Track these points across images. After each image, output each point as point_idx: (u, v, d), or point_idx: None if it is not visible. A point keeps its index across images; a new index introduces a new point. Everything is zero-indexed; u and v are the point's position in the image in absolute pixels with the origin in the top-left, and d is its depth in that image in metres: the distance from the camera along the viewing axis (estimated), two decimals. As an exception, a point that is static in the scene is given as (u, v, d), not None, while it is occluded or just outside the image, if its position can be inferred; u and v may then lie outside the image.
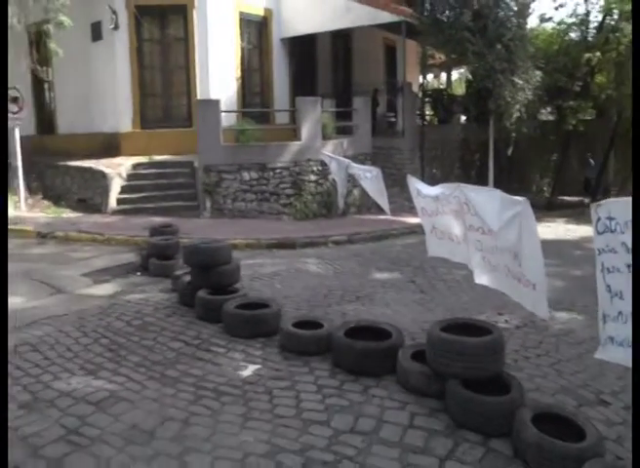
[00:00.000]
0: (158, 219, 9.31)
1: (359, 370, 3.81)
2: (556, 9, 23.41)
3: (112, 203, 11.01)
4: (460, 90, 21.55)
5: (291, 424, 3.18)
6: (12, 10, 10.24)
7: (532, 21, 20.72)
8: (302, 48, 15.66)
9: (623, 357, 2.62)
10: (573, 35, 18.52)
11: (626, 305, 2.55)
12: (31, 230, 9.46)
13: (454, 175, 16.52)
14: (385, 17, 13.99)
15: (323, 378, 3.76)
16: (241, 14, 14.02)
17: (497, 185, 14.82)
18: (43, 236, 9.23)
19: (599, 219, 2.63)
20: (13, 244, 8.79)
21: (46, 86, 15.37)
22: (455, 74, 23.43)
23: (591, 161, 17.71)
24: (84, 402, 3.44)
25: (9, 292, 6.06)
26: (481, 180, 15.62)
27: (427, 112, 17.13)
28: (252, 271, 6.82)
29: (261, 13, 14.68)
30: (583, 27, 18.17)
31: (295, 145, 11.60)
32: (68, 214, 11.09)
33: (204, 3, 12.96)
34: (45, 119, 15.69)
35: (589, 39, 17.58)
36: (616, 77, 16.92)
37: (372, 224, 10.43)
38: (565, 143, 18.20)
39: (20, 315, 5.30)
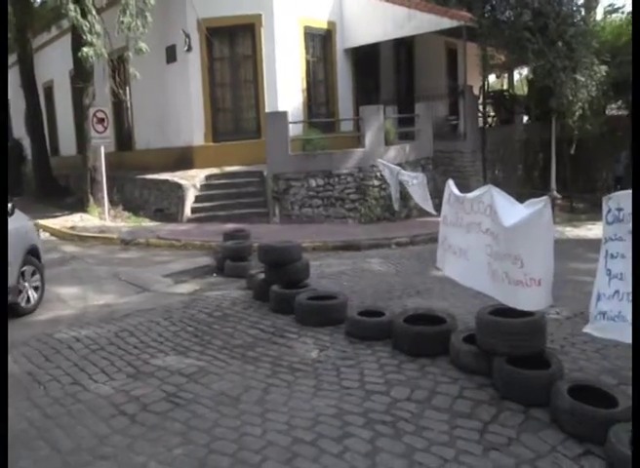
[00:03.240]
0: (230, 226, 9.93)
1: (416, 351, 4.24)
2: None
3: (187, 212, 11.81)
4: (522, 90, 21.44)
5: (355, 394, 3.66)
6: (100, 41, 11.28)
7: (598, 13, 20.24)
8: (365, 57, 16.14)
9: (612, 330, 2.98)
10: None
11: (625, 285, 2.90)
12: (116, 238, 10.33)
13: (516, 176, 16.56)
14: (446, 23, 14.20)
15: (384, 358, 4.22)
16: (306, 28, 14.65)
17: (560, 185, 14.83)
18: (126, 243, 10.06)
19: (609, 211, 2.98)
20: (100, 250, 9.73)
21: (124, 106, 16.52)
22: (518, 74, 23.30)
23: (622, 158, 17.06)
24: (178, 374, 4.07)
25: (101, 290, 6.91)
26: (544, 181, 15.64)
27: (489, 114, 17.20)
28: (319, 271, 7.33)
29: (325, 26, 15.27)
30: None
31: (359, 152, 12.09)
32: (147, 223, 11.97)
33: (271, 21, 13.66)
34: (123, 136, 16.88)
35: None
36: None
37: (433, 226, 10.67)
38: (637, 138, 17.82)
39: (115, 309, 6.05)
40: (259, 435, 3.21)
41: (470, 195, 4.21)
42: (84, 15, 11.09)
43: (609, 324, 3.01)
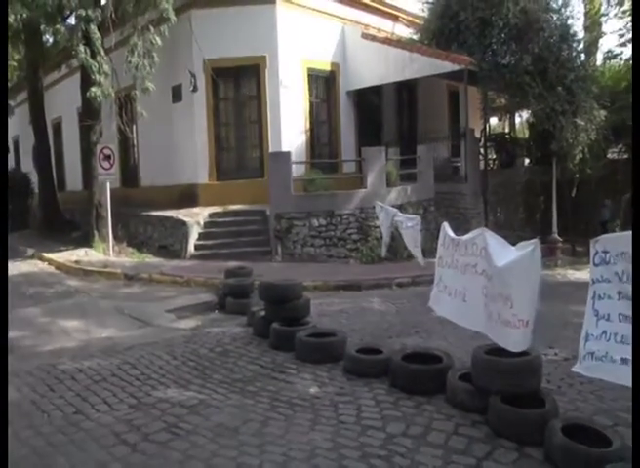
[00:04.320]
0: (233, 263, 10.02)
1: (413, 389, 4.30)
2: (622, 45, 23.41)
3: (191, 248, 11.95)
4: (523, 133, 21.84)
5: (351, 428, 3.73)
6: (108, 80, 11.63)
7: (598, 59, 20.79)
8: (368, 98, 16.51)
9: (600, 369, 3.09)
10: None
11: (611, 326, 3.02)
12: (119, 272, 10.43)
13: (518, 218, 16.75)
14: (447, 66, 14.53)
15: (381, 395, 4.28)
16: (309, 70, 15.02)
17: (562, 228, 14.97)
18: (130, 278, 10.17)
19: (596, 253, 3.12)
20: (103, 284, 9.84)
21: (130, 144, 16.86)
22: (519, 117, 23.75)
23: (607, 203, 17.27)
24: (179, 406, 4.15)
25: (104, 324, 7.00)
26: (545, 223, 15.79)
27: (490, 156, 17.49)
28: (320, 309, 7.41)
29: (328, 68, 15.66)
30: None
31: (361, 193, 12.28)
32: (151, 258, 12.09)
33: (275, 62, 14.04)
34: (129, 173, 17.15)
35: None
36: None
37: (435, 268, 10.84)
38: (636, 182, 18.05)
39: (117, 342, 6.13)
40: (256, 465, 3.28)
41: (465, 237, 4.36)
42: (93, 55, 11.43)
43: (597, 364, 3.11)
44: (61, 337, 6.49)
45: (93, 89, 11.41)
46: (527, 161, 18.64)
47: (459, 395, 4.05)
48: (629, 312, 2.96)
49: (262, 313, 6.08)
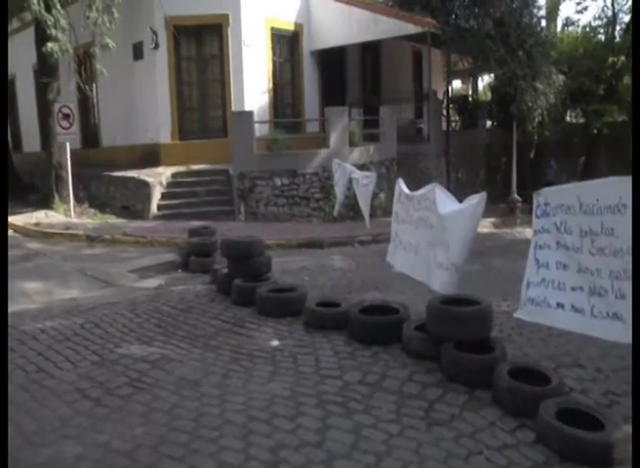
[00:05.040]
0: (196, 223, 10.00)
1: (370, 340, 4.45)
2: (579, 12, 23.67)
3: (154, 209, 11.89)
4: (485, 96, 22.04)
5: (310, 378, 3.86)
6: (65, 36, 11.26)
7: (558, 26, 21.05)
8: (332, 59, 16.41)
9: (539, 314, 3.29)
10: (600, 37, 18.70)
11: (550, 274, 3.20)
12: (81, 234, 10.35)
13: (479, 179, 17.01)
14: (410, 28, 14.60)
15: (339, 346, 4.43)
16: (273, 29, 14.85)
17: (521, 188, 15.28)
18: (92, 239, 10.10)
19: (538, 205, 3.27)
20: (66, 246, 9.74)
21: (91, 103, 16.45)
22: (482, 81, 23.94)
23: (553, 164, 17.70)
24: (142, 361, 4.22)
25: (67, 285, 6.98)
26: (506, 184, 16.10)
27: (453, 118, 17.65)
28: (282, 267, 7.50)
29: (292, 27, 15.48)
30: (609, 29, 18.35)
31: (323, 152, 12.32)
32: (113, 219, 12.01)
33: (238, 21, 13.82)
34: (90, 133, 16.79)
35: (617, 41, 17.81)
36: (644, 79, 17.16)
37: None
38: (591, 147, 18.49)
39: (80, 303, 6.13)
40: (216, 414, 3.38)
41: (417, 193, 4.51)
42: (48, 9, 11.00)
43: (536, 309, 3.29)
44: (23, 300, 6.44)
45: (49, 44, 11.04)
46: (489, 123, 18.86)
47: (414, 344, 4.22)
48: (566, 261, 3.14)
49: (225, 270, 6.15)
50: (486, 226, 11.62)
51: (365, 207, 7.68)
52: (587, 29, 19.23)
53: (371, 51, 17.91)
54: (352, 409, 3.42)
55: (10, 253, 9.10)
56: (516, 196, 14.38)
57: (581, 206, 3.02)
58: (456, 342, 3.91)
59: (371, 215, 11.55)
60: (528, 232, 12.27)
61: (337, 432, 3.17)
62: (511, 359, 3.98)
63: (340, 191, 8.94)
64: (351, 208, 10.60)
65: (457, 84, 27.54)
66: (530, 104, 14.33)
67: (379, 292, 6.33)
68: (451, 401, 3.54)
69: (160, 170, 13.11)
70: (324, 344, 4.47)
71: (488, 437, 3.16)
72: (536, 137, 15.89)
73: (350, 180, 8.15)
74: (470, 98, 20.00)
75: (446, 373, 3.87)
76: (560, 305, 3.15)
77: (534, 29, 14.95)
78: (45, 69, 12.86)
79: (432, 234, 4.16)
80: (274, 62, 15.10)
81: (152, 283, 7.07)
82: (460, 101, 19.20)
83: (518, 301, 5.79)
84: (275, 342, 4.56)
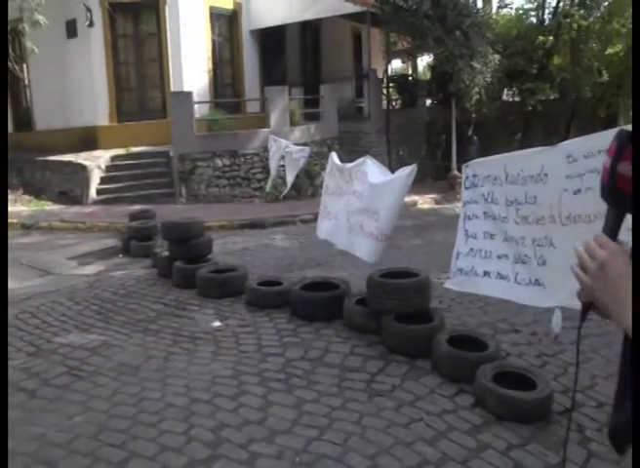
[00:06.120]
0: (137, 207, 9.82)
1: (312, 316, 4.50)
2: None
3: (92, 194, 11.55)
4: (425, 75, 22.31)
5: (252, 356, 3.88)
6: None
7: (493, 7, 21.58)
8: (272, 39, 16.18)
9: (467, 283, 3.38)
10: (531, 20, 19.37)
11: (477, 243, 3.29)
12: (15, 222, 9.91)
13: (420, 156, 17.21)
14: (349, 7, 14.52)
15: (281, 324, 4.46)
16: (211, 8, 14.49)
17: (461, 165, 15.62)
18: (28, 227, 9.74)
19: (467, 177, 3.34)
20: (-1, 235, 9.36)
21: (22, 84, 15.77)
22: (424, 60, 24.20)
23: (475, 141, 18.09)
24: (81, 349, 4.13)
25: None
26: (446, 161, 16.40)
27: (393, 97, 17.79)
28: (224, 248, 7.47)
29: (231, 6, 15.16)
30: (540, 12, 18.97)
31: (264, 132, 12.18)
32: (50, 206, 11.60)
33: (175, -1, 13.46)
34: (22, 116, 16.10)
35: (546, 23, 18.40)
36: (572, 59, 17.77)
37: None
38: (526, 123, 19.00)
39: (16, 293, 5.89)
40: (157, 398, 3.36)
41: (349, 165, 4.55)
42: None
43: (464, 278, 3.38)
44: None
45: (-29, 18, 10.47)
46: (428, 102, 19.10)
47: (355, 318, 4.28)
48: (493, 230, 3.23)
49: (166, 253, 6.07)
50: (427, 202, 11.84)
51: (290, 178, 7.70)
52: (520, 12, 19.79)
53: (311, 30, 17.77)
54: (294, 385, 3.46)
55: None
56: (456, 172, 14.63)
57: (507, 176, 3.10)
58: (396, 314, 3.99)
59: (312, 194, 11.65)
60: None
61: (278, 408, 3.20)
62: (450, 328, 4.10)
63: (273, 167, 8.84)
64: (293, 187, 10.57)
65: (397, 64, 27.79)
66: (467, 83, 14.57)
67: (321, 269, 6.39)
68: (392, 372, 3.62)
69: (98, 153, 12.71)
70: (266, 323, 4.49)
71: (428, 404, 3.26)
72: (474, 115, 16.18)
73: (283, 157, 8.09)
74: (410, 78, 20.16)
75: (387, 346, 3.96)
76: (487, 273, 3.24)
77: (470, 10, 15.20)
78: (-34, 47, 12.22)
79: (360, 203, 4.23)
80: (213, 42, 14.77)
81: (92, 269, 6.90)
82: (400, 80, 19.34)
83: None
84: (217, 323, 4.55)
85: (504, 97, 19.61)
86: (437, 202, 12.16)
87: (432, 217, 10.39)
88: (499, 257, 3.23)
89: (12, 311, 5.11)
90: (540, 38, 16.98)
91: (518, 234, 3.09)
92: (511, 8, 21.00)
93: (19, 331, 4.62)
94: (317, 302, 4.52)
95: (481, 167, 3.28)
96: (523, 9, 19.64)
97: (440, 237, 8.43)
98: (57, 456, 2.86)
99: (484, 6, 17.75)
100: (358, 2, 14.39)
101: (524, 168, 3.02)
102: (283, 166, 8.49)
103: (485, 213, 3.25)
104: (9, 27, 12.51)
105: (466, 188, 3.35)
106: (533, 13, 19.31)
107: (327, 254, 6.85)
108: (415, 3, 14.60)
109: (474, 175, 3.29)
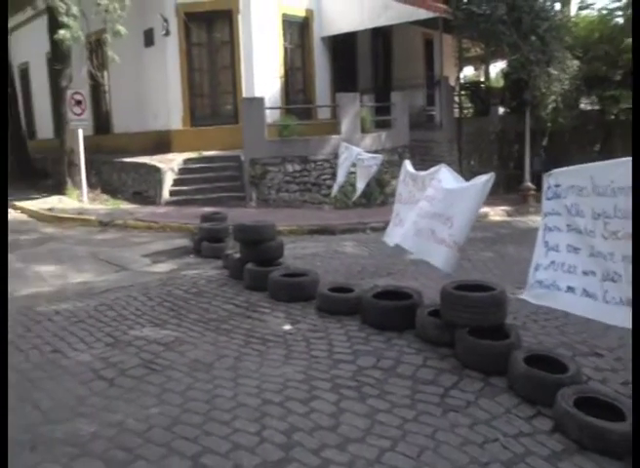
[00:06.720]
0: (208, 209, 10.00)
1: (383, 325, 4.43)
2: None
3: (165, 195, 11.88)
4: (498, 82, 21.79)
5: (323, 362, 3.86)
6: (77, 23, 11.26)
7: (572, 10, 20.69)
8: (343, 45, 16.27)
9: (547, 297, 3.24)
10: (617, 21, 18.12)
11: (559, 257, 3.15)
12: (94, 219, 10.37)
13: (492, 166, 16.83)
14: (422, 13, 14.45)
15: (352, 331, 4.41)
16: (284, 15, 14.73)
17: (533, 176, 15.14)
18: (104, 224, 10.11)
19: (549, 187, 3.20)
20: (78, 231, 9.78)
21: (102, 89, 16.46)
22: (497, 67, 23.67)
23: (541, 153, 17.29)
24: (155, 343, 4.25)
25: (80, 269, 7.01)
26: (519, 172, 15.96)
27: (465, 105, 17.46)
28: (294, 252, 7.49)
29: (303, 13, 15.35)
30: (629, 12, 17.76)
31: (335, 139, 12.22)
32: (125, 205, 12.01)
33: (248, 8, 13.72)
34: (101, 120, 16.83)
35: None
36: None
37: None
38: (607, 134, 18.22)
39: (94, 285, 6.17)
40: (230, 397, 3.39)
41: (423, 173, 4.48)
42: None
43: (544, 292, 3.24)
44: (37, 282, 6.49)
45: (61, 31, 11.08)
46: (501, 110, 18.65)
47: (428, 330, 4.19)
48: (577, 244, 3.08)
49: (237, 255, 6.15)
50: (498, 214, 11.54)
51: (361, 185, 7.67)
52: (604, 12, 18.64)
53: (382, 36, 17.74)
54: (366, 394, 3.41)
55: (25, 237, 9.27)
56: (529, 184, 14.22)
57: (595, 187, 2.94)
58: (470, 328, 3.88)
59: (382, 202, 11.57)
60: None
61: (351, 416, 3.16)
62: (527, 346, 3.95)
63: (341, 173, 8.82)
64: (364, 195, 10.52)
65: (469, 71, 27.33)
66: (543, 90, 14.13)
67: (391, 278, 6.30)
68: (466, 387, 3.52)
69: (171, 156, 13.09)
70: (337, 329, 4.46)
71: (504, 424, 3.13)
72: (549, 124, 15.66)
73: (355, 164, 8.08)
74: (482, 85, 19.77)
75: (460, 360, 3.84)
76: (570, 289, 3.09)
77: (547, 13, 14.71)
78: (57, 57, 12.91)
79: (432, 207, 4.15)
80: (285, 49, 14.99)
81: (164, 267, 7.07)
82: (472, 88, 19.00)
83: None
84: (288, 326, 4.56)
85: (582, 106, 18.90)
86: (509, 214, 11.83)
87: (504, 230, 10.11)
88: (584, 273, 3.08)
89: (91, 303, 5.37)
90: (628, 41, 16.15)
91: (606, 250, 2.94)
92: (593, 9, 19.94)
93: (98, 322, 4.83)
94: (389, 311, 4.45)
95: (565, 176, 3.14)
96: (607, 9, 18.55)
97: (512, 250, 8.19)
98: (134, 443, 2.95)
99: (562, 8, 17.13)
100: (430, 8, 14.26)
101: (614, 179, 2.86)
102: (354, 173, 8.46)
103: (568, 225, 3.11)
104: (93, 38, 13.20)
105: (548, 199, 3.21)
106: (619, 12, 18.07)
107: (398, 263, 6.79)
108: (489, 8, 14.31)
109: (557, 186, 3.15)
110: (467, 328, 3.88)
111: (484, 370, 3.69)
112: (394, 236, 4.92)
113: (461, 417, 3.19)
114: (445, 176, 4.22)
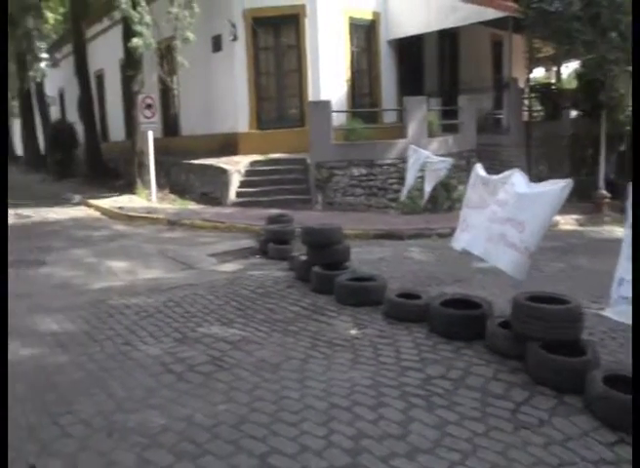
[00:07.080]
0: (273, 211, 10.07)
1: (451, 334, 4.33)
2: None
3: (232, 196, 12.08)
4: (571, 84, 21.04)
5: (391, 369, 3.81)
6: (149, 31, 11.70)
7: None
8: (409, 48, 16.14)
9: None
10: None
11: None
12: (162, 218, 10.67)
13: (563, 172, 16.25)
14: (491, 13, 14.10)
15: (420, 339, 4.34)
16: (350, 19, 14.75)
17: (609, 184, 14.52)
18: (172, 223, 10.38)
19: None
20: (147, 229, 10.09)
21: (172, 94, 16.91)
22: (569, 67, 22.87)
23: (612, 159, 16.31)
24: (223, 341, 4.33)
25: (149, 265, 7.21)
26: (592, 179, 15.35)
27: (535, 108, 16.94)
28: (360, 257, 7.42)
29: (370, 17, 15.32)
30: None
31: (401, 143, 12.13)
32: (193, 205, 12.29)
33: (314, 11, 13.81)
34: (170, 123, 17.30)
35: None
36: None
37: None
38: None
39: (162, 282, 6.34)
40: (297, 398, 3.40)
41: (495, 177, 4.36)
42: (134, 6, 11.55)
43: (629, 308, 3.06)
44: (109, 277, 6.74)
45: (135, 39, 11.54)
46: (573, 113, 17.98)
47: (498, 341, 4.07)
48: None
49: (304, 257, 6.17)
50: (569, 223, 11.11)
51: (428, 189, 7.53)
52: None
53: (449, 38, 17.47)
54: (435, 404, 3.34)
55: (97, 233, 9.65)
56: (604, 191, 13.62)
57: None
58: (543, 342, 3.73)
59: (449, 208, 11.37)
60: (618, 231, 11.65)
61: (420, 426, 3.11)
62: (605, 365, 3.76)
63: (410, 176, 8.72)
64: (430, 200, 10.37)
65: (539, 72, 26.52)
66: (622, 92, 13.47)
67: (459, 285, 6.17)
68: (538, 404, 3.38)
69: (238, 158, 13.30)
70: (404, 336, 4.40)
71: (581, 448, 2.96)
72: (628, 128, 14.90)
73: (424, 168, 7.98)
74: (554, 87, 19.12)
75: (532, 375, 3.69)
76: None
77: (630, 7, 13.97)
78: (130, 63, 13.45)
79: (504, 212, 4.03)
80: (352, 52, 14.99)
81: (231, 267, 7.18)
82: (542, 90, 18.40)
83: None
84: (355, 331, 4.54)
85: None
86: (580, 224, 11.37)
87: (575, 240, 9.73)
88: None
89: (160, 298, 5.54)
90: None
91: None
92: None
93: (166, 317, 4.98)
94: (458, 320, 4.35)
95: None
96: None
97: (585, 262, 7.88)
98: (202, 438, 3.00)
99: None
100: (500, 7, 13.89)
101: None
102: (421, 177, 8.37)
103: None
104: (163, 45, 13.62)
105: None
106: None
107: (465, 271, 6.65)
108: (562, 5, 13.75)
109: None
110: (540, 341, 3.74)
111: (557, 388, 3.53)
112: (461, 241, 4.83)
113: (534, 436, 3.06)
114: (518, 180, 4.11)
